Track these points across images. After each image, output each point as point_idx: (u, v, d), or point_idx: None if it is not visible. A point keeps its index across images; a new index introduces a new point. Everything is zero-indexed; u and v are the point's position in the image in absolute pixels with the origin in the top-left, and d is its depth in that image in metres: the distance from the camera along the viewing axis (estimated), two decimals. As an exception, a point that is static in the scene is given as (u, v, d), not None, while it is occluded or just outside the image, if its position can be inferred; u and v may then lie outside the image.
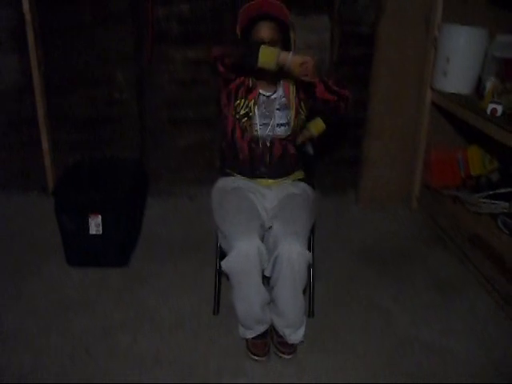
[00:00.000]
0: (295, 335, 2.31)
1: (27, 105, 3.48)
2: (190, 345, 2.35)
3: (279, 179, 2.41)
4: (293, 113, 2.30)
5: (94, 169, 3.09)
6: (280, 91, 2.31)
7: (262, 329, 2.31)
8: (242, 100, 2.26)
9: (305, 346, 2.35)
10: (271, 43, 2.10)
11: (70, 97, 3.54)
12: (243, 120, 2.28)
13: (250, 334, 2.31)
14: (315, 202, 2.45)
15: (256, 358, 2.27)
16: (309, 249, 2.22)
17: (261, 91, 2.29)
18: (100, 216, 2.78)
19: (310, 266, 2.34)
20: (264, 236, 2.25)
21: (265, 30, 2.16)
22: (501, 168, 3.44)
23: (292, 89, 2.30)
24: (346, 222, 3.51)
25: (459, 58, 3.06)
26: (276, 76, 2.25)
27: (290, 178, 2.45)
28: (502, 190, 3.15)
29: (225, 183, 2.44)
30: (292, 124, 2.32)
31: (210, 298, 2.55)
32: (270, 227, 2.24)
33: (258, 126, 2.30)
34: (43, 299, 2.62)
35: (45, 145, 3.55)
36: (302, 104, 2.34)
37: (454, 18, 3.14)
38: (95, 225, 2.79)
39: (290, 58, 2.01)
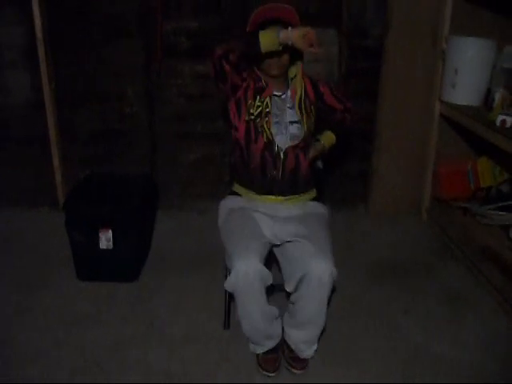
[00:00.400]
0: (309, 350, 2.30)
1: (38, 120, 3.51)
2: (200, 359, 2.34)
3: (290, 197, 2.36)
4: (298, 111, 2.29)
5: (104, 183, 3.10)
6: (288, 93, 2.31)
7: (271, 344, 2.30)
8: (256, 99, 2.25)
9: (316, 360, 2.34)
10: (282, 47, 2.08)
11: (80, 112, 3.57)
12: (258, 120, 2.25)
13: (260, 350, 2.31)
14: (329, 220, 2.43)
15: (266, 373, 2.25)
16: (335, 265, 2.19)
17: (273, 91, 2.29)
18: (111, 230, 2.79)
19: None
20: (269, 253, 2.24)
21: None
22: (511, 179, 3.42)
23: (300, 92, 2.30)
24: (356, 235, 3.51)
25: (467, 69, 3.07)
26: (285, 77, 2.29)
27: (301, 197, 2.39)
28: (513, 202, 3.14)
29: (232, 202, 2.41)
30: (304, 122, 2.29)
31: (220, 313, 2.55)
32: (278, 245, 2.25)
33: (272, 125, 2.26)
34: (53, 313, 2.63)
35: (55, 160, 3.58)
36: (312, 107, 2.33)
37: (462, 30, 3.16)
38: (106, 239, 2.80)
39: (290, 33, 2.02)
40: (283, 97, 2.31)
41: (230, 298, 2.51)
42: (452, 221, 3.36)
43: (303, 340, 2.28)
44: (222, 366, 2.31)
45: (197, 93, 3.55)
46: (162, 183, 3.62)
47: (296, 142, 2.28)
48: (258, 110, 2.25)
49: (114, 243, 2.81)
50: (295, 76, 2.31)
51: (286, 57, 2.19)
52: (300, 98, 2.29)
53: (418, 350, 2.42)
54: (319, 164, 2.61)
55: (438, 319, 2.64)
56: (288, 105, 2.30)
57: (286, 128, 2.28)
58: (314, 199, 2.45)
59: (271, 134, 2.25)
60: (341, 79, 3.52)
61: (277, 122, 2.27)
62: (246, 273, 2.04)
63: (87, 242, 2.81)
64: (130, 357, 2.35)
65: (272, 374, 2.25)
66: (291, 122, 2.29)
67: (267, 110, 2.25)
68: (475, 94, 3.12)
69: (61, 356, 2.34)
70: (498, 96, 2.86)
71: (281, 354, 2.34)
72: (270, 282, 2.13)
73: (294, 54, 2.21)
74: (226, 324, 2.53)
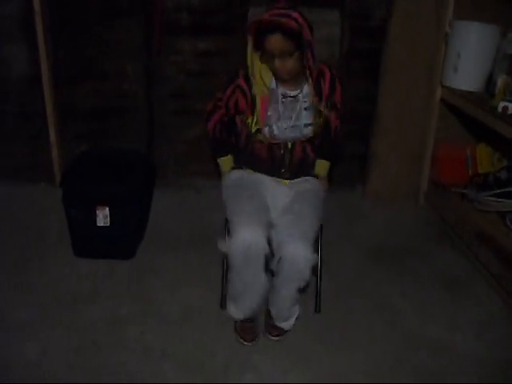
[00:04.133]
0: (286, 324, 2.36)
1: (35, 96, 3.46)
2: (198, 338, 2.35)
3: (296, 180, 2.42)
4: (312, 115, 2.28)
5: (102, 160, 3.07)
6: (304, 91, 2.26)
7: (252, 313, 2.34)
8: (251, 117, 2.26)
9: (311, 343, 2.35)
10: (282, 55, 2.07)
11: (78, 88, 3.53)
12: (258, 135, 2.28)
13: (239, 315, 2.35)
14: (324, 201, 2.43)
15: (243, 341, 2.31)
16: (316, 250, 2.22)
17: (287, 91, 2.25)
18: (108, 208, 2.78)
19: (316, 267, 2.35)
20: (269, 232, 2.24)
21: (275, 42, 2.05)
22: (509, 166, 3.42)
23: (315, 92, 2.26)
24: (353, 217, 3.51)
25: (470, 54, 3.04)
26: (301, 76, 2.22)
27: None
28: (511, 189, 3.13)
29: (243, 172, 2.43)
30: (316, 123, 2.29)
31: (217, 291, 2.55)
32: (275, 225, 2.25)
33: (279, 131, 2.26)
34: (50, 290, 2.63)
35: (52, 136, 3.55)
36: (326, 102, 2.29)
37: (466, 14, 3.12)
38: (103, 216, 2.79)
39: None
40: (298, 96, 2.26)
41: (228, 277, 2.51)
42: (449, 206, 3.37)
43: (277, 315, 2.35)
44: (219, 344, 2.32)
45: (197, 70, 3.51)
46: (159, 161, 3.59)
47: (305, 138, 2.32)
48: (256, 128, 2.27)
49: (111, 220, 2.80)
50: (311, 75, 2.20)
51: (290, 62, 2.10)
52: (315, 99, 2.25)
53: (413, 333, 2.44)
54: None
55: (433, 303, 2.66)
56: (304, 106, 2.26)
57: (300, 130, 2.28)
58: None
59: (277, 138, 2.28)
60: (342, 60, 3.49)
61: (292, 126, 2.26)
62: (251, 242, 2.09)
63: (84, 218, 2.80)
64: (127, 335, 2.35)
65: (248, 343, 2.31)
66: (306, 125, 2.28)
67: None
68: (477, 79, 3.09)
69: (57, 334, 2.34)
70: (500, 82, 2.83)
71: (258, 325, 2.40)
72: (267, 250, 2.16)
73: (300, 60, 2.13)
74: (223, 303, 2.53)
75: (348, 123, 3.50)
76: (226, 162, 2.50)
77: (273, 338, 2.36)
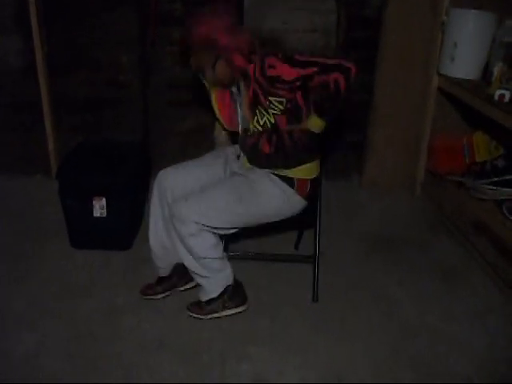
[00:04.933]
0: (201, 293, 2.43)
1: (30, 87, 3.46)
2: (194, 329, 2.35)
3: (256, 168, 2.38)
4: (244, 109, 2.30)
5: (97, 151, 3.06)
6: (241, 88, 2.30)
7: (161, 268, 2.54)
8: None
9: (308, 332, 2.35)
10: (207, 66, 2.19)
11: (73, 79, 3.52)
12: None
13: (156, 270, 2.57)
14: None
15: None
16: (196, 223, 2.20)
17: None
18: (104, 198, 2.77)
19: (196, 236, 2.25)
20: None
21: (192, 61, 2.24)
22: (506, 154, 3.41)
23: (245, 92, 2.26)
24: (349, 206, 3.51)
25: (467, 42, 3.03)
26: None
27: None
28: (508, 177, 3.12)
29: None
30: (253, 121, 2.27)
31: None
32: None
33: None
34: (47, 282, 2.63)
35: (48, 127, 3.54)
36: (265, 101, 2.20)
37: (462, 2, 3.10)
38: (99, 207, 2.78)
39: None
40: (240, 90, 2.31)
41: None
42: (446, 195, 3.36)
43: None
44: (215, 335, 2.32)
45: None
46: (155, 151, 3.59)
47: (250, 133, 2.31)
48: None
49: (107, 211, 2.80)
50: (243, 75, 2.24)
51: (212, 70, 2.20)
52: (253, 95, 2.22)
53: (410, 322, 2.44)
54: None
55: (430, 292, 2.66)
56: (239, 100, 2.32)
57: (244, 120, 2.33)
58: (284, 178, 2.30)
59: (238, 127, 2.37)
60: (338, 49, 3.48)
61: (242, 118, 2.34)
62: (160, 178, 2.38)
63: (81, 210, 2.80)
64: (124, 325, 2.36)
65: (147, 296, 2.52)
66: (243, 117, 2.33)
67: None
68: (474, 67, 3.08)
69: (54, 325, 2.34)
70: (496, 70, 2.82)
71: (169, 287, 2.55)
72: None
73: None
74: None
75: (344, 113, 3.51)
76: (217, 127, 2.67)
77: (190, 313, 2.43)
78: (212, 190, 2.25)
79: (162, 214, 2.41)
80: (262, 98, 2.18)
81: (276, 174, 2.28)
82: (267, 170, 2.30)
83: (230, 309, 2.41)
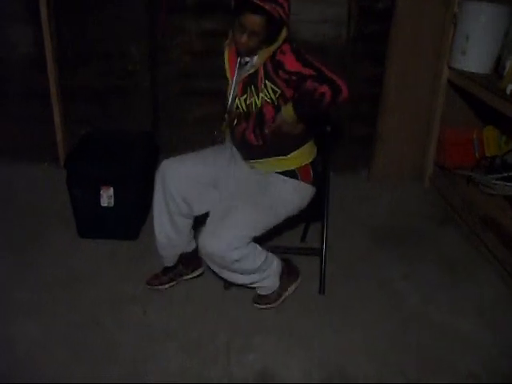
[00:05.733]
0: (260, 289, 2.44)
1: (39, 77, 3.46)
2: (199, 319, 2.36)
3: (248, 161, 2.37)
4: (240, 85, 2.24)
5: (106, 140, 3.06)
6: (253, 62, 2.21)
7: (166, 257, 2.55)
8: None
9: (314, 324, 2.35)
10: (251, 34, 2.07)
11: (82, 69, 3.52)
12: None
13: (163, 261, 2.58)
14: (288, 199, 2.32)
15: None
16: (237, 245, 2.14)
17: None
18: (112, 188, 2.77)
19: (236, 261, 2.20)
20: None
21: (247, 21, 2.05)
22: (516, 150, 3.40)
23: (254, 70, 2.19)
24: (357, 199, 3.49)
25: (479, 36, 3.00)
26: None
27: (259, 163, 2.34)
28: (518, 172, 3.12)
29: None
30: (242, 98, 2.23)
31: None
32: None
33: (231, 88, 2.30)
34: (54, 270, 2.63)
35: (56, 117, 3.54)
36: (264, 87, 2.17)
37: (475, -6, 3.08)
38: (107, 197, 2.79)
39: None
40: (248, 64, 2.24)
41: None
42: (454, 189, 3.34)
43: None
44: (221, 325, 2.32)
45: (201, 50, 3.48)
46: (164, 141, 3.59)
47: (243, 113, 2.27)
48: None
49: (115, 201, 2.80)
50: (261, 51, 2.17)
51: (254, 41, 2.09)
52: (255, 72, 2.18)
53: (415, 315, 2.43)
54: (327, 128, 2.55)
55: (436, 286, 2.65)
56: (246, 73, 2.22)
57: (235, 94, 2.28)
58: (287, 173, 2.32)
59: (229, 92, 2.30)
60: (348, 41, 3.46)
61: (233, 89, 2.28)
62: (164, 168, 2.36)
63: (88, 199, 2.80)
64: (130, 315, 2.36)
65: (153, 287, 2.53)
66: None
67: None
68: (485, 61, 3.05)
69: (60, 313, 2.35)
70: (508, 64, 2.79)
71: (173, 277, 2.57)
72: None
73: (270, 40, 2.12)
74: (227, 284, 2.53)
75: (354, 105, 3.50)
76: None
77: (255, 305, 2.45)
78: (234, 212, 2.18)
79: (166, 207, 2.39)
80: (259, 78, 2.17)
81: (278, 172, 2.31)
82: (265, 162, 2.32)
83: (290, 286, 2.49)
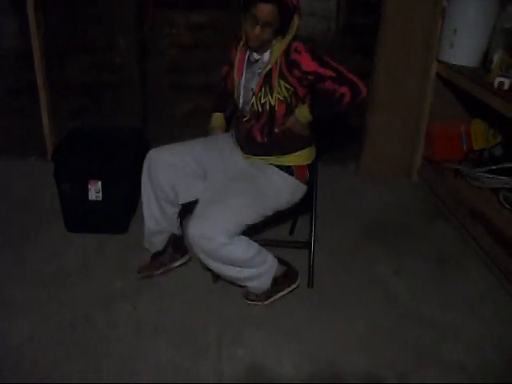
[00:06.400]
0: (251, 286, 2.39)
1: (26, 70, 3.41)
2: (190, 313, 2.35)
3: (249, 155, 2.40)
4: (259, 82, 2.23)
5: (94, 135, 3.04)
6: (265, 58, 2.23)
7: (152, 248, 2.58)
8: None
9: (304, 318, 2.36)
10: (265, 24, 2.06)
11: (70, 62, 3.48)
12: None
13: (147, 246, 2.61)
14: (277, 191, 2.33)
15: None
16: (231, 234, 2.12)
17: (253, 54, 2.27)
18: (100, 182, 2.76)
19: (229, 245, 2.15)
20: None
21: (259, 12, 2.04)
22: (504, 143, 3.41)
23: (270, 66, 2.18)
24: (346, 194, 3.49)
25: (467, 29, 3.01)
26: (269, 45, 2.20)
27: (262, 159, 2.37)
28: (505, 165, 3.12)
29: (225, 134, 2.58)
30: (259, 96, 2.22)
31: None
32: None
33: (238, 92, 2.32)
34: (42, 265, 2.61)
35: (44, 110, 3.50)
36: (282, 83, 2.18)
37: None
38: (95, 191, 2.77)
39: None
40: (258, 61, 2.25)
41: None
42: (443, 182, 3.36)
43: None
44: (211, 320, 2.31)
45: (190, 43, 3.46)
46: (153, 135, 3.56)
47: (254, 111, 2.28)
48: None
49: (103, 195, 2.78)
50: (274, 46, 2.18)
51: (267, 32, 2.09)
52: (268, 71, 2.18)
53: (406, 310, 2.44)
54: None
55: (426, 280, 2.66)
56: (258, 71, 2.25)
57: (248, 93, 2.28)
58: (283, 167, 2.34)
59: (237, 95, 2.32)
60: (337, 35, 3.45)
61: (245, 87, 2.29)
62: (151, 158, 2.37)
63: (76, 193, 2.78)
64: (119, 310, 2.35)
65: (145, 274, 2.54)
66: (252, 89, 2.27)
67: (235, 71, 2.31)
68: (474, 54, 3.06)
69: (49, 310, 2.33)
70: (496, 57, 2.80)
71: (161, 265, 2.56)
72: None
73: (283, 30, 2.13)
74: (216, 277, 2.52)
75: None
76: (215, 117, 2.61)
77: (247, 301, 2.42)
78: (224, 198, 2.18)
79: (154, 193, 2.39)
80: (274, 77, 2.18)
81: (275, 165, 2.32)
82: (265, 159, 2.34)
83: (285, 289, 2.45)
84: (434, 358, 2.18)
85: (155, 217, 2.45)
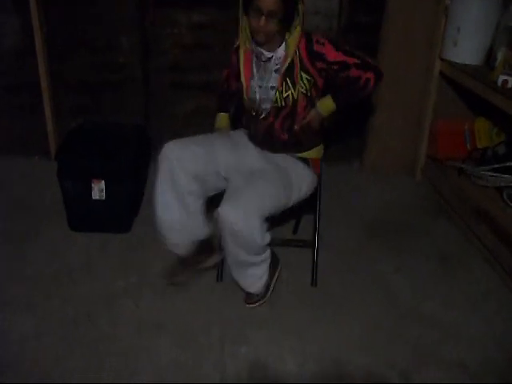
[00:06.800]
0: (250, 287, 2.38)
1: (29, 68, 3.42)
2: (193, 312, 2.35)
3: (267, 152, 2.39)
4: (280, 78, 2.22)
5: (97, 133, 3.05)
6: (278, 54, 2.22)
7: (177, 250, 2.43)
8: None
9: (307, 316, 2.36)
10: (269, 15, 2.04)
11: (72, 61, 3.48)
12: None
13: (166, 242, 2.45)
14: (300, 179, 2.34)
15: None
16: (260, 222, 2.11)
17: (263, 51, 2.25)
18: (103, 181, 2.76)
19: (260, 235, 2.15)
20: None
21: (263, 2, 2.02)
22: (508, 141, 3.40)
23: (289, 59, 2.18)
24: (349, 191, 3.49)
25: (470, 27, 3.00)
26: (280, 38, 2.19)
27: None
28: (509, 164, 3.11)
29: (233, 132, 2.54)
30: (283, 90, 2.22)
31: (213, 265, 2.54)
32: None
33: (251, 90, 2.30)
34: (45, 264, 2.62)
35: (47, 109, 3.51)
36: (304, 75, 2.20)
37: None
38: (98, 190, 2.77)
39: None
40: (272, 58, 2.23)
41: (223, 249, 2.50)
42: (446, 181, 3.35)
43: (232, 276, 2.38)
44: (213, 318, 2.32)
45: (192, 43, 3.46)
46: (155, 134, 3.56)
47: (275, 107, 2.28)
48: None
49: (106, 194, 2.79)
50: (289, 39, 2.18)
51: (273, 24, 2.08)
52: (289, 65, 2.18)
53: (408, 307, 2.44)
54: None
55: (428, 278, 2.66)
56: (274, 68, 2.23)
57: (267, 93, 2.27)
58: (300, 159, 2.38)
59: (251, 95, 2.30)
60: (340, 33, 3.45)
61: (260, 86, 2.28)
62: (171, 155, 2.27)
63: (80, 192, 2.79)
64: (122, 308, 2.35)
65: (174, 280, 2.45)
66: (272, 88, 2.26)
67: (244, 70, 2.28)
68: (477, 52, 3.05)
69: (53, 308, 2.34)
70: (500, 55, 2.79)
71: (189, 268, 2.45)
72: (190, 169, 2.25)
73: (288, 19, 2.12)
74: (219, 276, 2.53)
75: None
76: (221, 117, 2.61)
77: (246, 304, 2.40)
78: (255, 182, 2.16)
79: (172, 187, 2.28)
80: (296, 70, 2.19)
81: (293, 156, 2.37)
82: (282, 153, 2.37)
83: (274, 275, 2.46)
84: (436, 357, 2.17)
85: (174, 211, 2.33)
